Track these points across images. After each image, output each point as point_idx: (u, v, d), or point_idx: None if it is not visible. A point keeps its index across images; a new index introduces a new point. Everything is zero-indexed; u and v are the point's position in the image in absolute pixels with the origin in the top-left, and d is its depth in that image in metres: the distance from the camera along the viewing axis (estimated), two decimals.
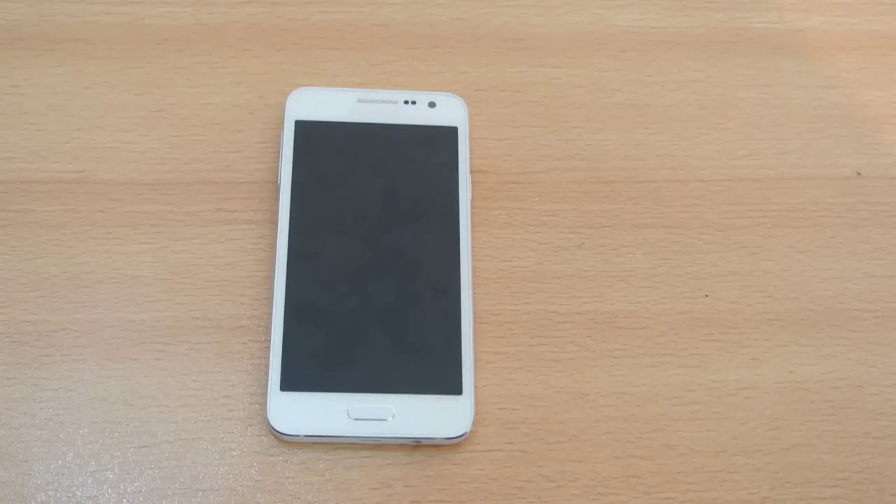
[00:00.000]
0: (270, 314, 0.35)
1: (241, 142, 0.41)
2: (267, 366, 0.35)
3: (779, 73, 0.45)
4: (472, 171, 0.39)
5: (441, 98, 0.40)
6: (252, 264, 0.38)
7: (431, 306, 0.35)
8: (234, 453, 0.35)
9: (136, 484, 0.34)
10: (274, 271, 0.36)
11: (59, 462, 0.34)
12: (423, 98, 0.40)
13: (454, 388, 0.34)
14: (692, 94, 0.44)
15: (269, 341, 0.35)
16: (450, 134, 0.39)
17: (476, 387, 0.35)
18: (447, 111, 0.40)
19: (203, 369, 0.36)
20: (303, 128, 0.38)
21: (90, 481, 0.34)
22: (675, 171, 0.42)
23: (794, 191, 0.42)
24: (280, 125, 0.40)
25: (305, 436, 0.34)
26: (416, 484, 0.34)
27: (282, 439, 0.34)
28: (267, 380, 0.34)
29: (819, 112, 0.44)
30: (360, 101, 0.39)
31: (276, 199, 0.38)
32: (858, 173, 0.43)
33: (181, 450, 0.35)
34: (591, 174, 0.41)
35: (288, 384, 0.34)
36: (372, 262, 0.36)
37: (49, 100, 0.41)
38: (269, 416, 0.34)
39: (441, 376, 0.34)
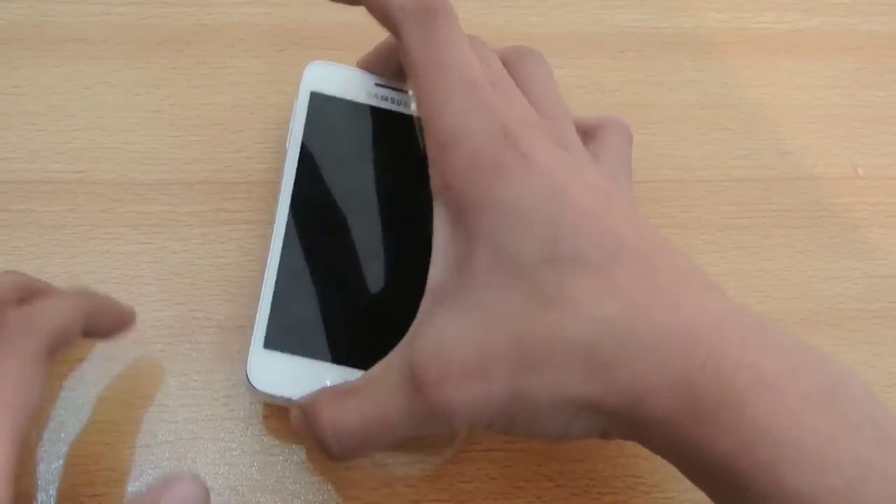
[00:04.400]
0: (263, 270, 0.34)
1: (242, 142, 0.41)
2: (253, 322, 0.34)
3: (779, 73, 0.45)
4: None
5: None
6: (252, 264, 0.38)
7: (421, 292, 0.34)
8: (234, 453, 0.35)
9: (136, 484, 0.34)
10: (272, 230, 0.35)
11: (60, 462, 0.34)
12: None
13: None
14: (692, 94, 0.44)
15: (258, 296, 0.34)
16: None
17: None
18: None
19: (203, 369, 0.36)
20: (317, 100, 0.37)
21: (91, 481, 0.34)
22: (674, 171, 0.42)
23: (794, 191, 0.42)
24: (283, 125, 0.40)
25: (282, 397, 0.32)
26: (416, 483, 0.34)
27: (260, 399, 0.34)
28: (251, 336, 0.33)
29: (819, 112, 0.44)
30: (377, 84, 0.38)
31: (282, 163, 0.36)
32: (858, 173, 0.43)
33: (182, 450, 0.35)
34: None
35: (272, 342, 0.33)
36: (372, 241, 0.35)
37: (49, 100, 0.41)
38: (248, 371, 0.33)
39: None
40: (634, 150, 0.36)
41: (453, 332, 0.26)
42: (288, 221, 0.35)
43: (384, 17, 0.31)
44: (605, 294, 0.25)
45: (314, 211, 0.35)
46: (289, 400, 0.32)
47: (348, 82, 0.38)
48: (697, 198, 0.41)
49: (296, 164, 0.36)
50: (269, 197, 0.39)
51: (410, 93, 0.38)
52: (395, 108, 0.38)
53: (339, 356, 0.33)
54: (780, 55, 0.45)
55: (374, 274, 0.35)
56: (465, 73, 0.29)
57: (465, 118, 0.28)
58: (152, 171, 0.40)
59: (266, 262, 0.34)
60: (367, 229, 0.36)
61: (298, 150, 0.36)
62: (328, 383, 0.32)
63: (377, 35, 0.44)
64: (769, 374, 0.24)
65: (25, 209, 0.39)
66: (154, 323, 0.37)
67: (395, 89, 0.38)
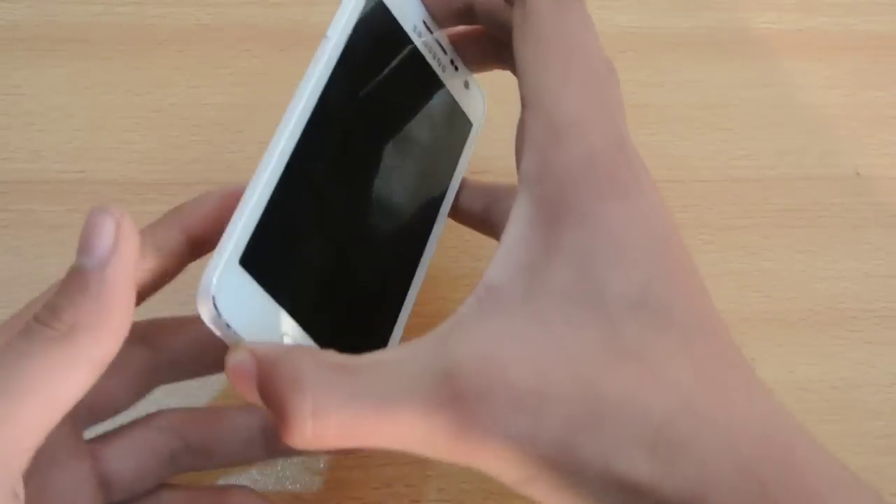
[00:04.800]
0: (254, 172, 0.26)
1: (242, 142, 0.41)
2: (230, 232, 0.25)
3: (779, 73, 0.45)
4: (471, 171, 0.40)
5: (474, 87, 0.35)
6: None
7: (389, 270, 0.31)
8: None
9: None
10: (283, 124, 0.27)
11: None
12: (465, 74, 0.34)
13: (379, 343, 0.29)
14: (692, 94, 0.44)
15: (243, 202, 0.25)
16: (465, 125, 0.35)
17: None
18: (470, 102, 0.34)
19: None
20: (373, 7, 0.29)
21: None
22: (674, 171, 0.42)
23: (794, 191, 0.42)
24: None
25: (236, 334, 0.24)
26: (416, 483, 0.34)
27: (210, 328, 0.25)
28: (224, 245, 0.25)
29: (819, 112, 0.44)
30: (424, 22, 0.31)
31: (316, 55, 0.28)
32: (858, 173, 0.43)
33: None
34: None
35: (250, 263, 0.25)
36: (374, 205, 0.30)
37: (50, 100, 0.41)
38: (214, 286, 0.24)
39: (370, 331, 0.30)
40: None
41: (510, 349, 0.22)
42: (307, 123, 0.27)
43: None
44: (686, 362, 0.22)
45: (331, 131, 0.28)
46: (239, 339, 0.24)
47: (404, 2, 0.31)
48: (697, 198, 0.41)
49: (333, 63, 0.28)
50: None
51: (448, 52, 0.32)
52: (427, 58, 0.32)
53: (308, 320, 0.26)
54: (780, 55, 0.45)
55: (368, 244, 0.30)
56: (592, 62, 0.25)
57: (588, 111, 0.24)
58: (152, 171, 0.40)
59: (266, 158, 0.26)
60: (369, 190, 0.30)
61: (340, 49, 0.28)
62: (282, 338, 0.26)
63: None
64: (836, 479, 0.23)
65: (26, 209, 0.39)
66: None
67: (440, 45, 0.32)
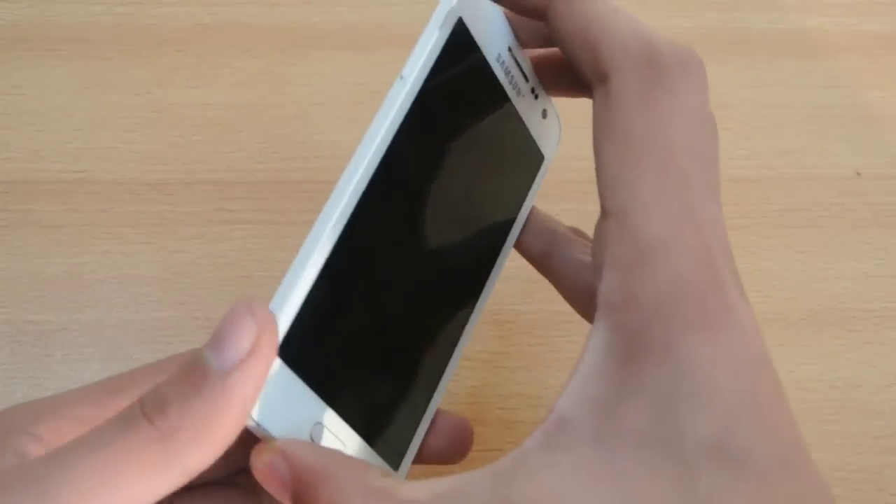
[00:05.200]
0: (299, 251, 0.22)
1: (242, 142, 0.41)
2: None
3: (779, 73, 0.45)
4: None
5: (552, 116, 0.31)
6: (253, 264, 0.38)
7: (422, 365, 0.27)
8: None
9: None
10: (336, 192, 0.23)
11: None
12: (544, 102, 0.30)
13: (394, 462, 0.26)
14: None
15: (287, 283, 0.22)
16: (537, 160, 0.31)
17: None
18: (545, 133, 0.31)
19: None
20: (458, 35, 0.26)
21: None
22: None
23: (794, 191, 0.42)
24: (283, 124, 0.40)
25: (266, 431, 0.22)
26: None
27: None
28: None
29: (819, 112, 0.44)
30: (510, 50, 0.27)
31: (385, 104, 0.25)
32: (858, 173, 0.43)
33: None
34: (590, 174, 0.41)
35: (288, 355, 0.22)
36: (419, 269, 0.26)
37: (50, 100, 0.41)
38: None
39: (391, 442, 0.26)
40: None
41: (579, 495, 0.20)
42: (366, 190, 0.23)
43: (594, 60, 0.23)
44: None
45: (393, 198, 0.24)
46: (268, 435, 0.22)
47: (490, 28, 0.27)
48: None
49: (404, 113, 0.24)
50: (269, 196, 0.39)
51: (529, 80, 0.29)
52: (510, 93, 0.28)
53: (341, 404, 0.24)
54: (780, 55, 0.45)
55: (417, 314, 0.27)
56: (683, 162, 0.22)
57: (678, 227, 0.21)
58: (153, 170, 0.40)
59: (314, 235, 0.22)
60: (427, 257, 0.26)
61: (414, 95, 0.24)
62: (311, 434, 0.23)
63: (377, 35, 0.44)
64: None
65: (26, 209, 0.39)
66: (154, 323, 0.37)
67: (523, 72, 0.28)
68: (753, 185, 0.42)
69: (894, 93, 0.45)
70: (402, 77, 0.24)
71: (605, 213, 0.23)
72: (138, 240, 0.38)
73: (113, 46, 0.42)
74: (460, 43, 0.25)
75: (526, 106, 0.29)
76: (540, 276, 0.39)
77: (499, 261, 0.30)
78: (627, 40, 0.24)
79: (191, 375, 0.20)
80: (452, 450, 0.28)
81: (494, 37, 0.27)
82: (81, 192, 0.39)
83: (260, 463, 0.21)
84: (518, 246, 0.31)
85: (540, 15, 0.25)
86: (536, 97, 0.29)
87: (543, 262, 0.30)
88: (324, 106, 0.42)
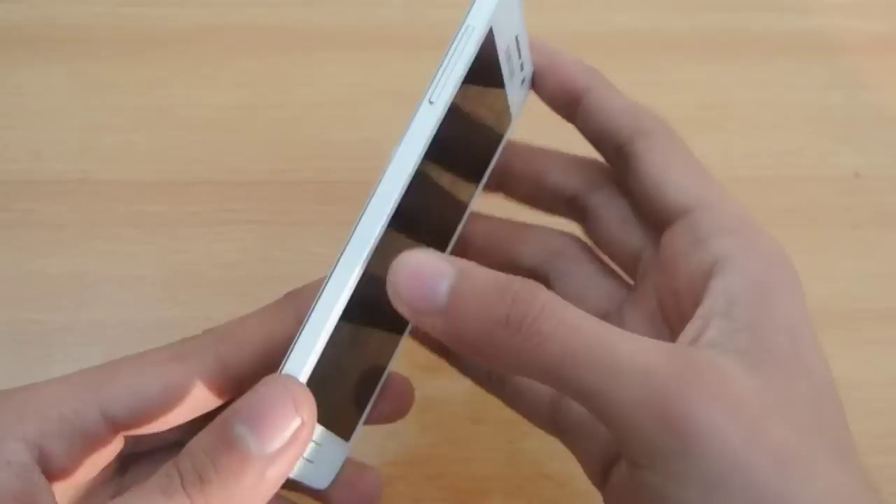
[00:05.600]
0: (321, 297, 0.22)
1: (243, 142, 0.41)
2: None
3: (778, 74, 0.45)
4: None
5: (526, 82, 0.30)
6: (253, 264, 0.38)
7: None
8: None
9: None
10: (354, 236, 0.22)
11: None
12: (527, 70, 0.29)
13: (345, 434, 0.26)
14: (692, 94, 0.44)
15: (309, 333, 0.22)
16: (507, 122, 0.30)
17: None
18: (519, 98, 0.30)
19: None
20: (483, 48, 0.24)
21: None
22: None
23: (793, 191, 0.42)
24: (283, 124, 0.40)
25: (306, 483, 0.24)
26: (417, 483, 0.35)
27: None
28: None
29: (818, 112, 0.44)
30: (517, 37, 0.26)
31: (411, 132, 0.23)
32: (857, 174, 0.43)
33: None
34: None
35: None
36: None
37: (51, 100, 0.41)
38: None
39: (344, 419, 0.26)
40: None
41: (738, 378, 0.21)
42: (384, 235, 0.22)
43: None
44: None
45: (413, 228, 0.24)
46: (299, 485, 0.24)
47: (507, 22, 0.26)
48: None
49: (428, 140, 0.23)
50: (270, 197, 0.40)
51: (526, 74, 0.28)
52: (507, 78, 0.28)
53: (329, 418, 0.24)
54: (780, 55, 0.45)
55: (372, 312, 0.25)
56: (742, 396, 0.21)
57: (746, 449, 0.20)
58: (153, 170, 0.40)
59: (332, 279, 0.22)
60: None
61: (439, 124, 0.23)
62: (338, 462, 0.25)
63: (377, 35, 0.45)
64: None
65: (27, 209, 0.39)
66: (155, 323, 0.37)
67: (521, 56, 0.28)
68: (753, 185, 0.42)
69: (894, 93, 0.45)
70: (431, 102, 0.23)
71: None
72: (139, 240, 0.38)
73: (114, 47, 0.43)
74: (485, 52, 0.25)
75: (513, 81, 0.29)
76: None
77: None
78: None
79: (230, 454, 0.20)
80: (396, 411, 0.28)
81: (509, 29, 0.26)
82: (83, 193, 0.39)
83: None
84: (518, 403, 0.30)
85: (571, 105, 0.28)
86: (522, 68, 0.29)
87: (552, 417, 0.29)
88: (325, 106, 0.42)
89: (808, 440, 0.21)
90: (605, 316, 0.27)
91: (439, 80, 0.23)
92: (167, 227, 0.39)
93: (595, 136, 0.29)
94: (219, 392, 0.23)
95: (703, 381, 0.20)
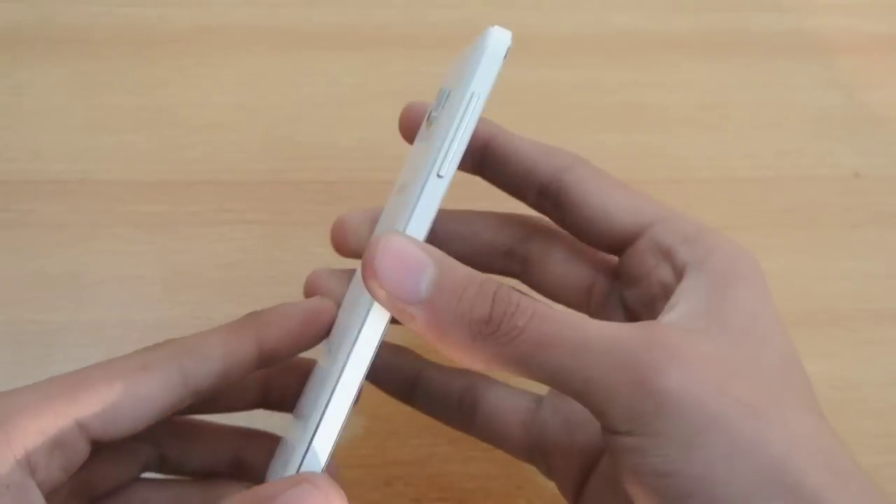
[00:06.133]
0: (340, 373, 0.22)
1: (242, 142, 0.41)
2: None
3: (778, 74, 0.45)
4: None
5: None
6: (253, 264, 0.38)
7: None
8: None
9: None
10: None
11: None
12: None
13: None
14: (692, 95, 0.44)
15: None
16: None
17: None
18: None
19: None
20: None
21: None
22: (673, 171, 0.42)
23: (793, 191, 0.42)
24: (283, 124, 0.40)
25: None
26: (417, 483, 0.35)
27: None
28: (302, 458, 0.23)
29: (818, 112, 0.44)
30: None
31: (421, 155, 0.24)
32: (857, 174, 0.43)
33: None
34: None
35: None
36: None
37: (51, 100, 0.41)
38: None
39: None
40: (634, 151, 0.36)
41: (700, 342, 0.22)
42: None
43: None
44: None
45: None
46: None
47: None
48: (696, 198, 0.41)
49: (432, 219, 0.23)
50: (270, 197, 0.40)
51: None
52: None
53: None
54: (779, 55, 0.45)
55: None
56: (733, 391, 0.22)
57: (716, 401, 0.21)
58: (153, 170, 0.40)
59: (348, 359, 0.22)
60: None
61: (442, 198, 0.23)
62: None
63: (377, 35, 0.45)
64: None
65: (27, 209, 0.39)
66: (155, 323, 0.37)
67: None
68: (753, 185, 0.42)
69: (893, 93, 0.45)
70: (440, 176, 0.23)
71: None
72: (139, 240, 0.38)
73: (114, 47, 0.42)
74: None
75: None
76: None
77: None
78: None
79: None
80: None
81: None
82: (83, 193, 0.39)
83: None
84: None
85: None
86: None
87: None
88: (324, 106, 0.42)
89: (776, 394, 0.22)
90: (588, 290, 0.29)
91: (448, 151, 0.23)
92: (167, 227, 0.39)
93: (510, 183, 0.29)
94: (178, 402, 0.24)
95: (670, 344, 0.21)
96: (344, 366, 0.22)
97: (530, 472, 0.35)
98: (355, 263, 0.27)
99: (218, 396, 0.28)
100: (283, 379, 0.28)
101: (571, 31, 0.45)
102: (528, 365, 0.21)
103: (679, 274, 0.25)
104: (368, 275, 0.21)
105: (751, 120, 0.44)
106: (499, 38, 0.24)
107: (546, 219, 0.29)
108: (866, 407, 0.37)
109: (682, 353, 0.21)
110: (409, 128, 0.29)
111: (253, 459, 0.29)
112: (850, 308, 0.39)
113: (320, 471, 0.22)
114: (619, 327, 0.22)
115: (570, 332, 0.21)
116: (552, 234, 0.30)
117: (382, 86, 0.43)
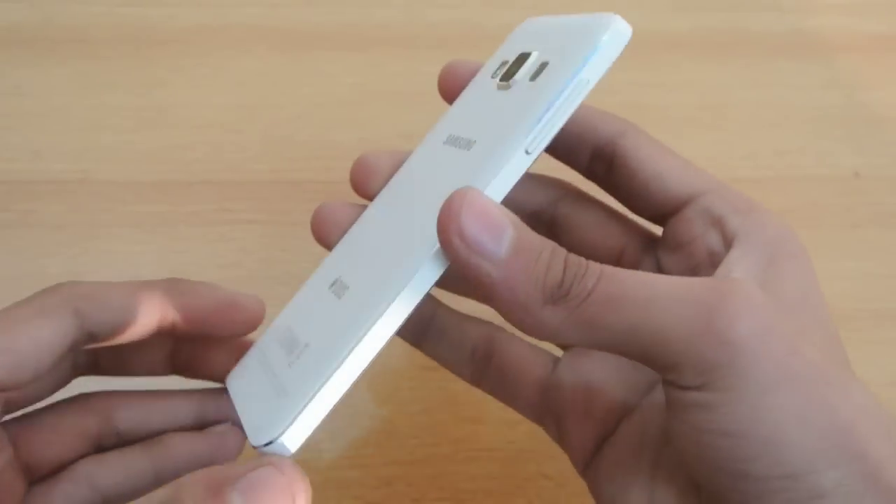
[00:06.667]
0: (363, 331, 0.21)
1: (243, 142, 0.41)
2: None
3: (778, 74, 0.45)
4: None
5: None
6: (254, 264, 0.38)
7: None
8: None
9: None
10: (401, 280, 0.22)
11: None
12: None
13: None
14: (692, 94, 0.44)
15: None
16: None
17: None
18: None
19: None
20: None
21: None
22: None
23: (793, 191, 0.42)
24: (283, 124, 0.40)
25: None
26: (417, 482, 0.35)
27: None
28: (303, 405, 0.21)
29: (818, 112, 0.44)
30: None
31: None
32: (857, 174, 0.43)
33: None
34: None
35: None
36: None
37: (51, 100, 0.41)
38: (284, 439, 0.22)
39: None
40: None
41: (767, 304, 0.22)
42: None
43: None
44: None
45: None
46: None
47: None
48: None
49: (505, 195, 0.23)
50: (270, 196, 0.40)
51: None
52: None
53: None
54: (780, 55, 0.45)
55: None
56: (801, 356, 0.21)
57: (790, 360, 0.21)
58: (153, 170, 0.40)
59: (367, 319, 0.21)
60: None
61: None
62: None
63: (377, 35, 0.45)
64: None
65: (27, 209, 0.39)
66: None
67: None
68: (753, 185, 0.42)
69: (893, 93, 0.45)
70: (527, 153, 0.22)
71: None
72: (139, 240, 0.38)
73: (114, 47, 0.43)
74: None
75: None
76: None
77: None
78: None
79: None
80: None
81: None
82: (82, 193, 0.39)
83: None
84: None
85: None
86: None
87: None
88: (325, 106, 0.42)
89: (838, 363, 0.22)
90: (618, 255, 0.28)
91: (541, 130, 0.22)
92: (167, 227, 0.39)
93: (563, 145, 0.29)
94: (74, 345, 0.24)
95: (742, 295, 0.21)
96: (384, 310, 0.21)
97: (530, 471, 0.35)
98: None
99: (128, 355, 0.27)
100: (195, 350, 0.28)
101: None
102: (597, 327, 0.21)
103: (728, 243, 0.25)
104: (450, 227, 0.21)
105: (750, 120, 0.44)
106: (620, 30, 0.23)
107: (572, 185, 0.29)
108: None
109: (758, 303, 0.21)
110: (452, 89, 0.29)
111: (217, 416, 0.28)
112: (850, 308, 0.39)
113: (294, 449, 0.21)
114: (691, 281, 0.21)
115: (641, 288, 0.21)
116: (581, 197, 0.29)
117: (382, 86, 0.43)
